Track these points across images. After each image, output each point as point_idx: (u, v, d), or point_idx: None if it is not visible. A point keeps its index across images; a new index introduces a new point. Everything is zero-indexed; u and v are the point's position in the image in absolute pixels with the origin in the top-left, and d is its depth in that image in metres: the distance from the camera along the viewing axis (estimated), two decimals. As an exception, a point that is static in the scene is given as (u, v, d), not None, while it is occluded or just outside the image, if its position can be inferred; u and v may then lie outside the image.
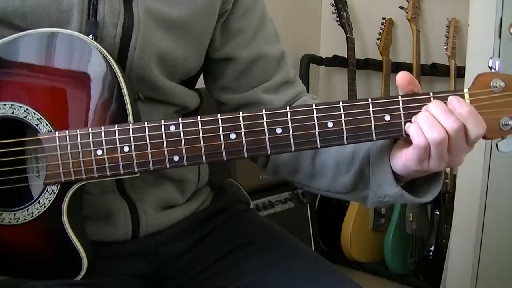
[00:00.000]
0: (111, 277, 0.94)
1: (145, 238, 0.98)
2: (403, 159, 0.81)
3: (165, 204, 1.02)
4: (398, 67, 2.55)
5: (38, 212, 0.84)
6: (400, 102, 0.80)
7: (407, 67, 2.46)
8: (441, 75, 2.42)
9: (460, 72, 2.26)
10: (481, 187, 1.98)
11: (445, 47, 2.35)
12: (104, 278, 0.93)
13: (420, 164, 0.80)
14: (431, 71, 2.44)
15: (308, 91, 2.89)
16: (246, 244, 1.04)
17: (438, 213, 2.36)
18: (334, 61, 2.72)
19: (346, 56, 2.53)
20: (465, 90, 0.79)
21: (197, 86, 1.10)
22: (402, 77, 0.81)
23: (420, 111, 0.79)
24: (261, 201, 2.26)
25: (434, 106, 0.78)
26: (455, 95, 0.79)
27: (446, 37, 2.36)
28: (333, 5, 2.57)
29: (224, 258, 1.02)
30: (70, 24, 0.86)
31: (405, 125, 0.80)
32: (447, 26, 2.37)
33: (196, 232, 1.04)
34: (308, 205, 2.42)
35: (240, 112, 0.80)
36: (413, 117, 0.79)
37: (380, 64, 2.54)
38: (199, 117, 0.80)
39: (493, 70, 0.79)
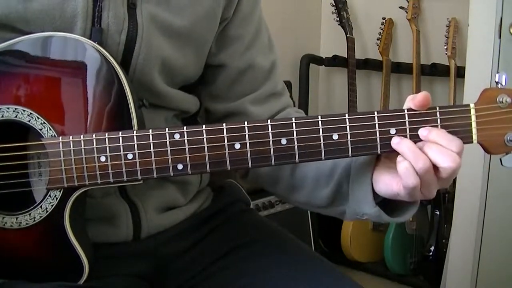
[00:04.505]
0: (112, 277, 0.95)
1: (146, 239, 0.99)
2: (395, 191, 0.82)
3: (166, 206, 1.02)
4: (398, 67, 2.55)
5: (40, 216, 0.84)
6: (406, 116, 0.80)
7: (407, 67, 2.47)
8: (441, 75, 2.42)
9: (460, 72, 2.27)
10: (481, 187, 1.99)
11: (445, 47, 2.36)
12: (105, 279, 0.93)
13: (412, 198, 0.81)
14: (431, 71, 2.44)
15: (308, 91, 2.87)
16: (246, 244, 1.04)
17: (438, 213, 2.36)
18: (334, 61, 2.71)
19: (346, 56, 2.53)
20: (471, 105, 0.79)
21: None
22: (423, 99, 0.79)
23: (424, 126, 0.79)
24: (261, 201, 2.26)
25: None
26: (459, 110, 0.79)
27: (446, 37, 2.36)
28: (333, 5, 2.57)
29: (224, 258, 1.02)
30: (74, 31, 0.86)
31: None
32: (447, 26, 2.37)
33: (196, 232, 1.05)
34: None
35: (245, 122, 0.80)
36: (394, 143, 0.79)
37: (380, 64, 2.54)
38: (204, 126, 0.80)
39: (499, 85, 0.79)
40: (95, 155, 0.81)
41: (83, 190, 0.83)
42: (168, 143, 0.80)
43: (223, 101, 1.06)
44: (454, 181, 2.13)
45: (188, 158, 0.81)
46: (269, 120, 0.80)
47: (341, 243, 2.52)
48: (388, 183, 0.83)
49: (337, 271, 1.00)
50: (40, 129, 0.82)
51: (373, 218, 0.87)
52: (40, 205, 0.84)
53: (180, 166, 0.81)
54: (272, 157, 0.80)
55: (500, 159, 0.81)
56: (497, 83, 0.79)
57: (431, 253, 2.37)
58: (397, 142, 0.79)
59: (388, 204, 0.87)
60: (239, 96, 1.05)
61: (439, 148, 0.77)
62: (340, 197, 0.91)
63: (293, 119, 0.80)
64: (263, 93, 1.06)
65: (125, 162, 0.81)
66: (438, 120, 0.79)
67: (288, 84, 2.44)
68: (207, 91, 1.07)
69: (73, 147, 0.81)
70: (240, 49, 1.04)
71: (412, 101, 0.80)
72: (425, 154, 0.78)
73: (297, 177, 0.97)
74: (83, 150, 0.81)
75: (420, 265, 2.46)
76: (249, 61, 1.04)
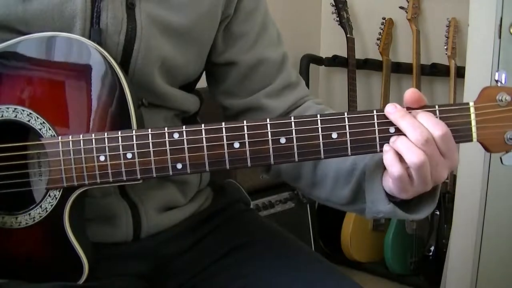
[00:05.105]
0: (111, 277, 0.95)
1: (146, 239, 0.99)
2: (388, 187, 0.82)
3: (166, 206, 1.02)
4: (398, 67, 2.55)
5: (40, 216, 0.84)
6: None
7: (407, 67, 2.47)
8: (441, 75, 2.42)
9: (460, 72, 2.26)
10: (481, 187, 1.99)
11: (445, 47, 2.36)
12: (104, 279, 0.93)
13: (404, 192, 0.81)
14: (431, 71, 2.44)
15: (308, 92, 2.81)
16: (246, 244, 1.04)
17: (438, 213, 2.36)
18: (334, 61, 2.71)
19: (346, 56, 2.53)
20: (471, 103, 0.79)
21: (197, 86, 1.10)
22: (410, 95, 0.80)
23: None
24: (261, 201, 2.27)
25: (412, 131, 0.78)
26: (459, 108, 0.79)
27: (446, 37, 2.36)
28: (333, 5, 2.57)
29: (224, 258, 1.02)
30: (73, 32, 0.86)
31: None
32: (447, 26, 2.37)
33: (196, 232, 1.05)
34: (308, 205, 2.43)
35: (244, 121, 0.80)
36: (390, 140, 0.79)
37: (380, 64, 2.54)
38: (203, 125, 0.80)
39: (499, 84, 0.79)
40: (95, 154, 0.81)
41: (82, 189, 0.83)
42: (167, 142, 0.80)
43: (238, 97, 1.05)
44: (454, 181, 2.13)
45: (187, 158, 0.80)
46: (268, 119, 0.80)
47: (341, 243, 2.52)
48: (385, 179, 0.83)
49: (337, 271, 1.00)
50: (40, 129, 0.82)
51: (388, 215, 0.87)
52: (39, 205, 0.84)
53: (179, 166, 0.81)
54: (271, 156, 0.80)
55: (500, 158, 0.81)
56: (496, 81, 0.79)
57: (431, 253, 2.37)
58: (393, 141, 0.79)
59: (406, 202, 0.87)
60: (253, 91, 1.04)
61: (412, 121, 0.77)
62: (360, 195, 0.91)
63: (292, 118, 0.80)
64: (277, 86, 1.05)
65: (124, 162, 0.81)
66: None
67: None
68: (220, 89, 1.07)
69: (72, 146, 0.81)
70: (247, 45, 1.04)
71: (405, 104, 0.80)
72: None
73: (318, 174, 0.96)
74: (82, 150, 0.81)
75: (420, 265, 2.45)
76: (258, 56, 1.04)
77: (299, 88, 1.09)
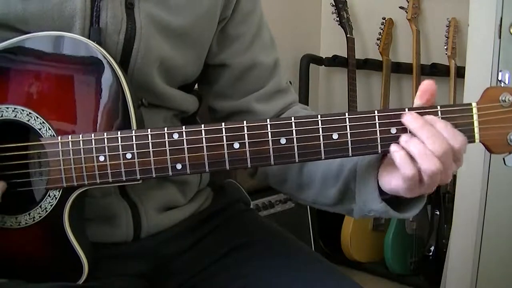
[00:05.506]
0: (111, 277, 0.95)
1: (146, 239, 0.99)
2: (393, 186, 0.81)
3: (166, 206, 1.02)
4: (398, 67, 2.55)
5: (40, 216, 0.84)
6: None
7: (407, 67, 2.47)
8: (441, 75, 2.41)
9: (460, 72, 2.26)
10: (481, 187, 1.99)
11: (445, 47, 2.36)
12: (104, 279, 0.93)
13: (411, 192, 0.80)
14: (431, 71, 2.44)
15: (308, 91, 2.87)
16: (246, 244, 1.04)
17: (438, 213, 2.36)
18: (334, 61, 2.71)
19: (346, 56, 2.53)
20: (473, 104, 0.79)
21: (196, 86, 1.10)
22: (426, 85, 0.80)
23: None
24: (261, 201, 2.26)
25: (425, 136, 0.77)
26: (461, 109, 0.79)
27: (446, 37, 2.36)
28: (333, 5, 2.57)
29: (224, 258, 1.02)
30: (73, 31, 0.86)
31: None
32: (447, 26, 2.37)
33: (196, 232, 1.05)
34: (308, 205, 2.43)
35: (244, 122, 0.80)
36: (401, 140, 0.79)
37: (380, 64, 2.54)
38: (203, 125, 0.80)
39: (502, 84, 0.78)
40: (94, 155, 0.81)
41: (82, 190, 0.83)
42: (167, 142, 0.80)
43: (228, 100, 1.05)
44: (454, 181, 2.13)
45: (187, 158, 0.80)
46: (268, 120, 0.80)
47: (341, 243, 2.52)
48: (387, 179, 0.83)
49: (337, 271, 1.00)
50: (39, 129, 0.82)
51: (380, 214, 0.87)
52: (39, 205, 0.84)
53: (179, 166, 0.81)
54: (272, 157, 0.80)
55: (504, 159, 0.81)
56: (500, 81, 0.79)
57: (431, 253, 2.37)
58: (405, 141, 0.78)
59: (396, 200, 0.87)
60: (244, 94, 1.04)
61: (432, 132, 0.77)
62: (348, 196, 0.91)
63: (293, 118, 0.80)
64: (268, 91, 1.05)
65: (124, 162, 0.81)
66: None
67: (288, 84, 2.45)
68: (211, 90, 1.07)
69: (71, 146, 0.81)
70: (242, 48, 1.04)
71: (420, 92, 0.80)
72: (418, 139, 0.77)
73: (305, 177, 0.96)
74: (82, 150, 0.81)
75: (420, 265, 2.46)
76: (251, 59, 1.04)
77: (289, 93, 1.09)
